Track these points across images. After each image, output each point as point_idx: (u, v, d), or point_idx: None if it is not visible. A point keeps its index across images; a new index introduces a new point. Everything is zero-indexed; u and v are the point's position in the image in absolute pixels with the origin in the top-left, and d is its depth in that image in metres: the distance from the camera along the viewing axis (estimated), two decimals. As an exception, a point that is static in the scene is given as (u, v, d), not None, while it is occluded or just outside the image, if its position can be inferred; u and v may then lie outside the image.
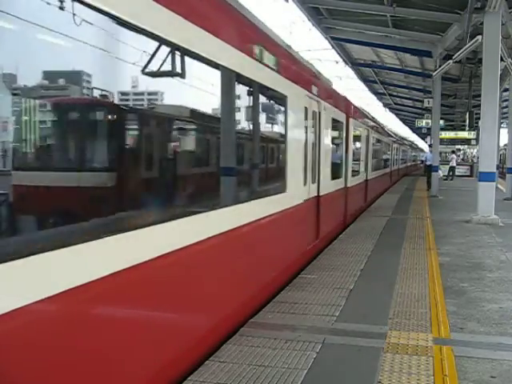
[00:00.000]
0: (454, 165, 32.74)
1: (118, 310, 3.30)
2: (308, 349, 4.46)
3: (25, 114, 2.82)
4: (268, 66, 5.79)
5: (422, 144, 71.73)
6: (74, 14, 2.76)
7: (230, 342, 4.60)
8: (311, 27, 18.68)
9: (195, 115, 4.50)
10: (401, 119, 55.48)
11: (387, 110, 43.68)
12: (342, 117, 11.08)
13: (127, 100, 3.56)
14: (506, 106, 22.43)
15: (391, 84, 31.14)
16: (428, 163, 23.54)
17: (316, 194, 8.56)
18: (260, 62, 5.55)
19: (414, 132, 62.98)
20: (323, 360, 4.25)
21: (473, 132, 30.31)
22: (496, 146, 16.72)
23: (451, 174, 31.70)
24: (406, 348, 4.52)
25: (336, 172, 10.57)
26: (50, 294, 2.61)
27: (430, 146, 26.74)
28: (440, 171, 23.42)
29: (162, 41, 3.58)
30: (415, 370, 4.06)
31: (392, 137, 27.69)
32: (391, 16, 16.31)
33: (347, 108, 11.90)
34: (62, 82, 3.00)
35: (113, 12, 3.03)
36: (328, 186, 9.49)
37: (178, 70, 3.80)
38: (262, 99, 6.01)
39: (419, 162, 58.25)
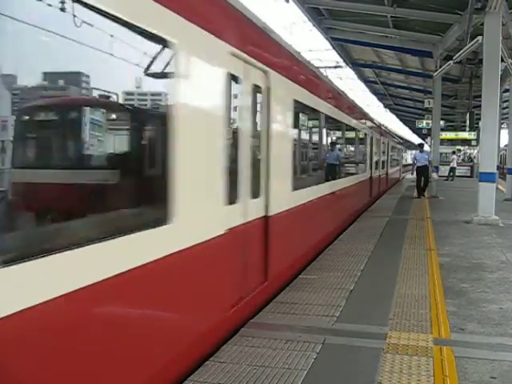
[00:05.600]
0: (455, 165, 32.78)
1: None
2: (308, 349, 4.46)
3: None
4: None
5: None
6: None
7: (230, 343, 4.60)
8: (312, 28, 18.75)
9: None
10: (401, 120, 55.56)
11: (388, 110, 43.78)
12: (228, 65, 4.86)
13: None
14: (507, 107, 22.45)
15: (392, 85, 31.19)
16: (419, 164, 19.60)
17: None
18: None
19: (414, 132, 63.02)
20: (323, 360, 4.25)
21: (473, 133, 30.37)
22: (496, 146, 16.73)
23: (451, 174, 31.76)
24: (407, 348, 4.51)
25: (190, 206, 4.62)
26: None
27: (419, 145, 22.35)
28: (434, 174, 20.35)
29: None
30: (415, 370, 4.06)
31: (373, 124, 18.54)
32: (392, 16, 16.33)
33: (262, 44, 5.99)
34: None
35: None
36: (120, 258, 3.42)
37: None
38: None
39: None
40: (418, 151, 21.15)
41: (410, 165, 39.28)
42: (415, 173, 20.10)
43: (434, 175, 20.27)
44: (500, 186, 20.57)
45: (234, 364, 4.12)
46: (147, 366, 3.54)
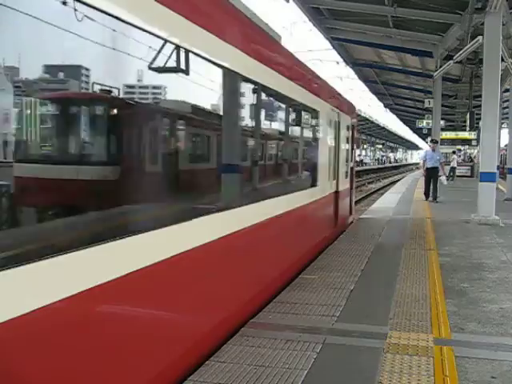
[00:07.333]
0: (455, 165, 32.77)
1: None
2: (308, 349, 4.46)
3: None
4: None
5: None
6: None
7: (230, 343, 4.60)
8: (312, 27, 18.73)
9: None
10: (401, 119, 55.57)
11: (388, 110, 43.78)
12: None
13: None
14: (507, 107, 22.45)
15: (392, 84, 31.17)
16: (429, 165, 17.04)
17: None
18: None
19: (414, 132, 62.99)
20: (323, 360, 4.25)
21: (473, 132, 30.37)
22: (497, 146, 16.73)
23: (452, 174, 31.76)
24: (407, 348, 4.51)
25: None
26: None
27: (431, 141, 18.32)
28: (443, 177, 17.93)
29: None
30: (416, 370, 4.06)
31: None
32: (392, 16, 16.32)
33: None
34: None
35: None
36: None
37: None
38: None
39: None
40: (428, 149, 18.09)
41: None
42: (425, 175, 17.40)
43: (443, 178, 18.04)
44: (500, 186, 20.55)
45: (234, 364, 4.12)
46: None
